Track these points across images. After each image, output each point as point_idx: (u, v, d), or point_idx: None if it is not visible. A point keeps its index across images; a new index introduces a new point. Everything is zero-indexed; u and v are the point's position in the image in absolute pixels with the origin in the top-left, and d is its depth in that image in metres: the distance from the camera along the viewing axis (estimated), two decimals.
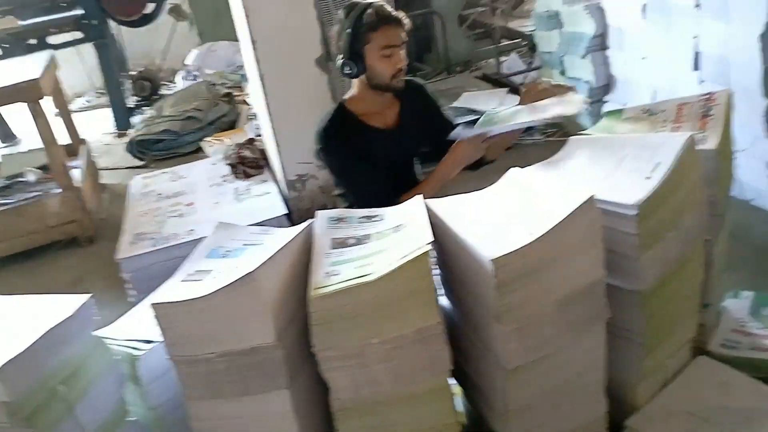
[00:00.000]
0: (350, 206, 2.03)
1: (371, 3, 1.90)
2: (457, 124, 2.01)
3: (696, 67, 2.97)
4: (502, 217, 1.28)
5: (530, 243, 1.14)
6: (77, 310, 1.30)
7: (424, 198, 1.38)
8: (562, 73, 4.06)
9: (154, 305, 1.20)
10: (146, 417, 1.41)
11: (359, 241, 1.31)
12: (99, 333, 1.38)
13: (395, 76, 1.92)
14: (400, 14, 1.91)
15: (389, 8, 1.90)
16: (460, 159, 1.88)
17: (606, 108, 3.70)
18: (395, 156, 2.07)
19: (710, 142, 1.46)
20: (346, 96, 2.06)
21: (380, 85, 1.93)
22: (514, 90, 4.48)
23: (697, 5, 2.88)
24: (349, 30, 1.87)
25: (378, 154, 2.01)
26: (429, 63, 5.69)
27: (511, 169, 1.43)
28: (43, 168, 3.93)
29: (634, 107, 1.68)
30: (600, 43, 3.76)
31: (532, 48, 4.90)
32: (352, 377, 1.18)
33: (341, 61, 1.92)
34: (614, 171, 1.37)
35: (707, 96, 1.60)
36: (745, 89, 2.64)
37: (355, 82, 2.00)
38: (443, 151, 1.93)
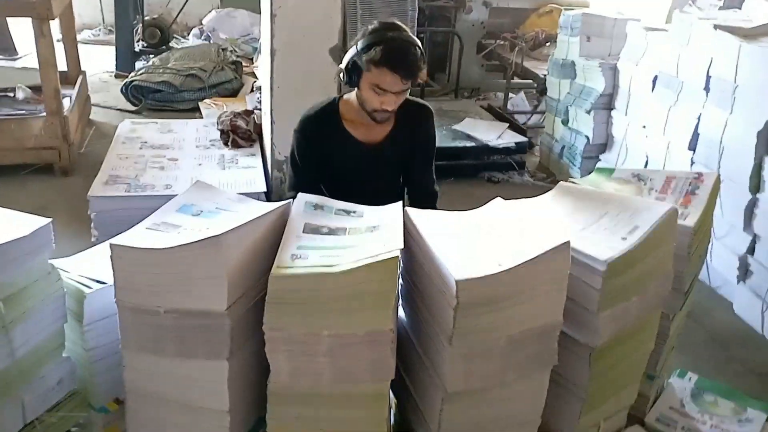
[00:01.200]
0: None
1: (394, 38, 1.83)
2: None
3: (691, 147, 3.03)
4: (476, 242, 1.28)
5: (497, 273, 1.15)
6: (34, 231, 1.27)
7: None
8: (564, 122, 4.10)
9: (113, 246, 1.18)
10: (80, 356, 1.38)
11: (332, 231, 1.31)
12: (53, 262, 1.35)
13: (377, 112, 1.91)
14: (414, 68, 1.82)
15: (407, 57, 1.81)
16: None
17: (598, 165, 3.74)
18: (363, 170, 2.05)
19: (690, 220, 1.49)
20: (345, 95, 2.07)
21: (363, 108, 1.94)
22: (514, 127, 4.52)
23: (706, 89, 2.94)
24: (357, 48, 1.87)
25: (344, 162, 2.02)
26: (439, 82, 5.72)
27: (497, 198, 1.44)
28: (36, 89, 3.85)
29: (624, 169, 1.70)
30: (607, 102, 3.81)
31: (542, 91, 4.95)
32: (295, 364, 1.18)
33: (341, 66, 1.93)
34: (593, 224, 1.39)
35: (696, 175, 1.63)
36: (732, 179, 2.70)
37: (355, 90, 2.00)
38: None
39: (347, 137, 2.01)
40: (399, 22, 1.90)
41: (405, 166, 2.14)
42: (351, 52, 1.88)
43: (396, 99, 1.89)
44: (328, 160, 2.03)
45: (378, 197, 2.04)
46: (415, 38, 1.88)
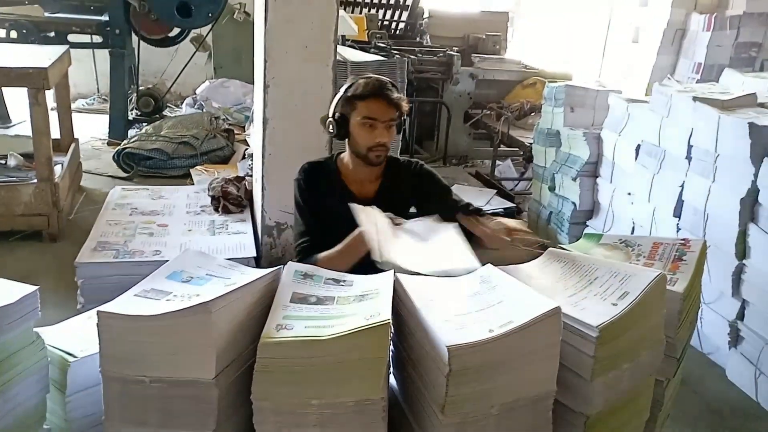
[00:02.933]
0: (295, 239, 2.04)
1: (371, 77, 1.95)
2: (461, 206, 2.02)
3: (676, 214, 3.07)
4: (467, 309, 1.27)
5: (489, 339, 1.14)
6: (20, 298, 1.25)
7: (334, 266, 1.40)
8: (551, 189, 4.17)
9: (100, 313, 1.17)
10: (61, 428, 1.34)
11: (320, 301, 1.30)
12: (38, 330, 1.32)
13: (372, 149, 1.93)
14: (395, 95, 1.92)
15: (387, 86, 1.92)
16: (356, 248, 1.75)
17: (586, 231, 3.78)
18: (356, 224, 2.06)
19: (679, 285, 1.49)
20: (341, 155, 2.10)
21: (358, 153, 1.97)
22: (502, 193, 4.58)
23: (688, 158, 3.01)
24: (342, 93, 1.94)
25: (340, 215, 2.02)
26: (428, 149, 5.83)
27: (487, 264, 1.44)
28: (28, 156, 3.88)
29: (611, 235, 1.72)
30: (592, 170, 3.88)
31: (528, 159, 5.04)
32: None
33: (328, 119, 1.97)
34: (582, 290, 1.39)
35: (683, 241, 1.65)
36: (718, 246, 2.73)
37: (347, 146, 2.04)
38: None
39: (344, 190, 2.03)
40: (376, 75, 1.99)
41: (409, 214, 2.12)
42: (335, 102, 1.95)
43: (387, 131, 1.92)
44: (328, 211, 2.00)
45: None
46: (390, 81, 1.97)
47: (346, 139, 2.00)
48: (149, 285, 1.30)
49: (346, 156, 2.06)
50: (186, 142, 4.98)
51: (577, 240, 1.79)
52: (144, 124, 5.71)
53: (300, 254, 1.92)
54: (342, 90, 1.97)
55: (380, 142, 1.92)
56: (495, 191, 4.59)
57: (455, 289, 1.37)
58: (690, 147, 3.03)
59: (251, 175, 3.87)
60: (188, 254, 1.46)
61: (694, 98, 3.04)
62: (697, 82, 5.32)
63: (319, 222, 2.01)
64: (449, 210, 1.96)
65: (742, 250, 2.71)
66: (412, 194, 2.12)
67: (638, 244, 1.67)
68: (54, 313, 1.67)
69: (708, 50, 5.64)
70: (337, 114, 1.95)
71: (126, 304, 1.22)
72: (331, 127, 1.96)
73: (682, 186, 3.07)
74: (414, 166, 2.15)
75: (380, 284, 1.35)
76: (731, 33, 5.64)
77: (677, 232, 3.07)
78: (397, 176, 2.08)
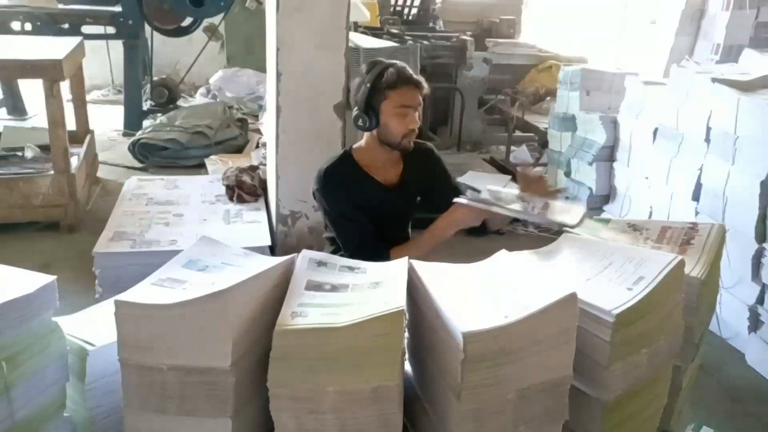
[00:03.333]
0: (335, 251, 2.02)
1: (394, 63, 1.95)
2: (460, 189, 2.07)
3: (695, 198, 3.03)
4: (482, 295, 1.27)
5: (504, 325, 1.14)
6: (39, 289, 1.26)
7: (413, 255, 1.39)
8: (567, 174, 4.13)
9: (117, 302, 1.18)
10: (81, 416, 1.36)
11: (335, 288, 1.31)
12: (56, 320, 1.34)
13: (406, 135, 1.95)
14: (420, 78, 1.96)
15: (410, 71, 1.96)
16: (456, 222, 1.91)
17: (601, 216, 3.75)
18: (390, 212, 2.09)
19: (692, 270, 1.48)
20: (354, 145, 2.09)
21: (390, 142, 1.96)
22: (517, 179, 4.55)
23: (707, 140, 2.97)
24: (368, 84, 1.91)
25: (374, 206, 2.02)
26: (441, 135, 5.80)
27: (501, 250, 1.44)
28: (45, 148, 3.91)
29: (619, 220, 1.71)
30: (608, 154, 3.84)
31: (543, 144, 5.00)
32: (300, 421, 1.15)
33: (356, 113, 1.95)
34: (598, 275, 1.38)
35: (691, 225, 1.65)
36: (738, 229, 2.69)
37: (366, 134, 2.03)
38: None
39: (370, 181, 2.03)
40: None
41: (430, 199, 2.16)
42: (362, 94, 1.92)
43: (417, 115, 1.96)
44: (359, 206, 2.01)
45: (397, 231, 2.09)
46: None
47: (373, 130, 1.97)
48: (166, 274, 1.32)
49: (363, 146, 2.04)
50: (200, 132, 4.99)
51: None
52: (158, 114, 5.73)
53: (365, 255, 1.63)
54: (365, 82, 1.92)
55: (413, 128, 1.94)
56: (510, 177, 4.56)
57: (470, 275, 1.37)
58: (709, 129, 2.99)
59: (265, 164, 3.87)
60: (203, 243, 1.47)
61: (713, 79, 3.00)
62: (716, 64, 5.23)
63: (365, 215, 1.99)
64: (456, 194, 1.99)
65: (762, 233, 2.67)
66: (429, 179, 2.12)
67: (646, 228, 1.66)
68: (73, 303, 1.69)
69: (727, 30, 5.54)
70: (365, 104, 1.92)
71: (143, 293, 1.23)
72: (360, 121, 1.95)
73: (701, 169, 3.03)
74: (428, 150, 2.16)
75: (394, 271, 1.35)
76: (751, 13, 5.53)
77: (696, 216, 3.04)
78: (416, 160, 2.09)
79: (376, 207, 2.03)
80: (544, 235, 4.08)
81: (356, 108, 1.95)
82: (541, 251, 1.53)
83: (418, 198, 2.18)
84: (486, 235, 2.10)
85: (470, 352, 1.11)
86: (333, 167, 2.02)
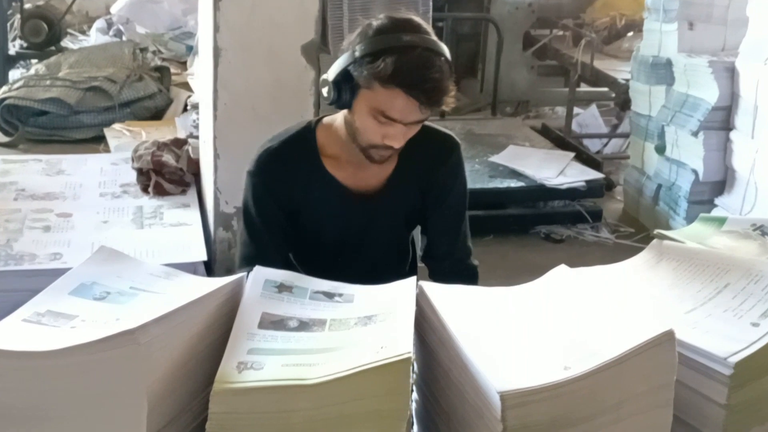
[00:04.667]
0: (307, 266, 2.05)
1: (412, 44, 1.85)
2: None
3: None
4: (529, 333, 1.28)
5: (564, 381, 1.14)
6: None
7: None
8: (660, 150, 4.14)
9: None
10: None
11: (304, 325, 1.31)
12: None
13: (376, 148, 1.94)
14: (441, 86, 1.86)
15: (431, 74, 1.84)
16: None
17: (712, 213, 3.76)
18: (357, 234, 2.10)
19: None
20: (326, 119, 2.10)
21: (355, 141, 1.96)
22: (584, 158, 4.56)
23: None
24: (355, 54, 1.90)
25: (316, 218, 2.06)
26: (467, 92, 5.81)
27: (560, 266, 1.44)
28: None
29: (741, 219, 1.72)
30: (723, 120, 3.85)
31: (623, 104, 5.02)
32: None
33: (325, 76, 1.95)
34: (707, 303, 1.39)
35: None
36: None
37: (343, 110, 2.03)
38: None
39: (328, 182, 2.04)
40: (418, 19, 1.93)
41: (416, 224, 2.19)
42: (345, 59, 1.91)
43: (406, 133, 1.92)
44: (299, 218, 2.06)
45: (377, 273, 2.06)
46: (441, 44, 1.91)
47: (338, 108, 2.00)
48: (45, 305, 1.31)
49: (335, 125, 2.06)
50: (97, 88, 4.99)
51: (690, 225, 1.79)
52: (33, 61, 5.73)
53: None
54: (360, 45, 1.88)
55: (388, 145, 1.92)
56: (573, 155, 4.58)
57: (511, 304, 1.38)
58: None
59: (197, 137, 3.88)
60: (103, 258, 1.47)
61: None
62: None
63: (288, 239, 2.05)
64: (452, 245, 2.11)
65: None
66: (433, 190, 2.12)
67: None
68: None
69: None
70: (341, 77, 1.91)
71: (11, 333, 1.23)
72: (327, 90, 1.95)
73: None
74: (447, 144, 2.16)
75: (396, 298, 1.35)
76: None
77: None
78: (421, 158, 2.09)
79: (327, 221, 2.06)
80: (624, 242, 4.11)
81: (331, 73, 1.94)
82: (620, 267, 1.53)
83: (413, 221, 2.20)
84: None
85: (512, 420, 1.11)
86: (278, 150, 2.05)
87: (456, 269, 2.17)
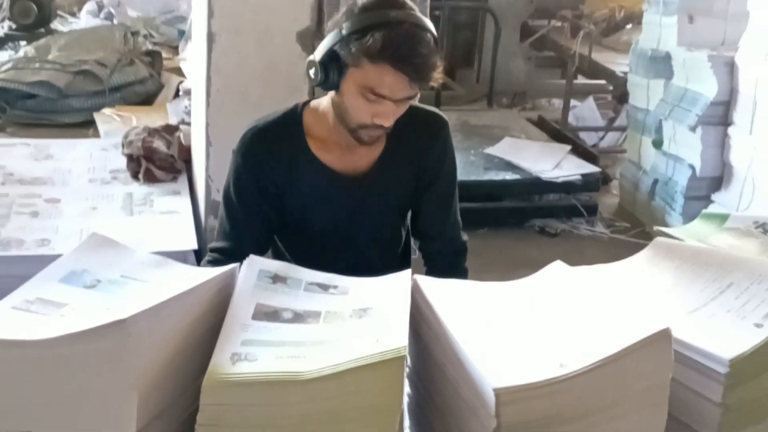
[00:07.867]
0: (296, 255, 2.08)
1: (399, 19, 1.85)
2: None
3: None
4: (524, 330, 1.28)
5: (559, 378, 1.14)
6: None
7: None
8: (657, 145, 4.15)
9: None
10: None
11: (299, 317, 1.31)
12: None
13: (365, 128, 1.94)
14: (429, 62, 1.87)
15: (418, 49, 1.85)
16: None
17: (709, 209, 3.76)
18: (344, 220, 2.11)
19: None
20: (313, 102, 2.10)
21: (343, 122, 1.96)
22: (580, 151, 4.57)
23: None
24: (343, 32, 1.89)
25: (301, 202, 2.07)
26: (464, 83, 5.81)
27: (556, 262, 1.44)
28: None
29: (743, 216, 1.72)
30: (722, 115, 3.86)
31: (621, 97, 5.03)
32: None
33: (312, 58, 1.95)
34: (709, 303, 1.39)
35: None
36: None
37: (330, 93, 2.03)
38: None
39: (314, 164, 2.04)
40: None
41: (407, 207, 2.20)
42: (331, 38, 1.91)
43: (396, 110, 1.92)
44: (284, 202, 2.06)
45: (366, 260, 2.07)
46: (427, 20, 1.92)
47: (324, 89, 2.00)
48: (34, 293, 1.31)
49: (321, 108, 2.06)
50: (87, 72, 4.98)
51: (691, 222, 1.79)
52: (22, 43, 5.70)
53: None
54: (347, 23, 1.88)
55: (378, 123, 1.92)
56: (569, 148, 4.58)
57: (506, 300, 1.38)
58: None
59: (189, 123, 3.87)
60: (93, 245, 1.47)
61: None
62: None
63: (268, 223, 2.08)
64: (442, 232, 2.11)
65: None
66: (414, 174, 2.12)
67: None
68: None
69: None
70: (328, 57, 1.91)
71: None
72: (313, 70, 1.95)
73: None
74: (436, 123, 2.17)
75: (391, 292, 1.36)
76: None
77: None
78: (411, 138, 2.09)
79: (313, 206, 2.06)
80: (619, 237, 4.12)
81: (318, 54, 1.94)
82: (619, 265, 1.53)
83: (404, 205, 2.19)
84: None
85: (506, 417, 1.11)
86: (264, 130, 2.07)
87: (447, 248, 2.22)
